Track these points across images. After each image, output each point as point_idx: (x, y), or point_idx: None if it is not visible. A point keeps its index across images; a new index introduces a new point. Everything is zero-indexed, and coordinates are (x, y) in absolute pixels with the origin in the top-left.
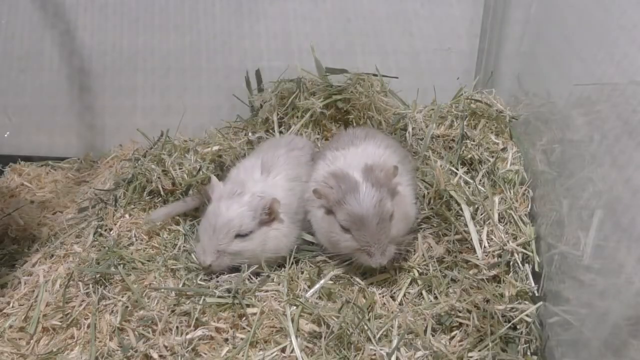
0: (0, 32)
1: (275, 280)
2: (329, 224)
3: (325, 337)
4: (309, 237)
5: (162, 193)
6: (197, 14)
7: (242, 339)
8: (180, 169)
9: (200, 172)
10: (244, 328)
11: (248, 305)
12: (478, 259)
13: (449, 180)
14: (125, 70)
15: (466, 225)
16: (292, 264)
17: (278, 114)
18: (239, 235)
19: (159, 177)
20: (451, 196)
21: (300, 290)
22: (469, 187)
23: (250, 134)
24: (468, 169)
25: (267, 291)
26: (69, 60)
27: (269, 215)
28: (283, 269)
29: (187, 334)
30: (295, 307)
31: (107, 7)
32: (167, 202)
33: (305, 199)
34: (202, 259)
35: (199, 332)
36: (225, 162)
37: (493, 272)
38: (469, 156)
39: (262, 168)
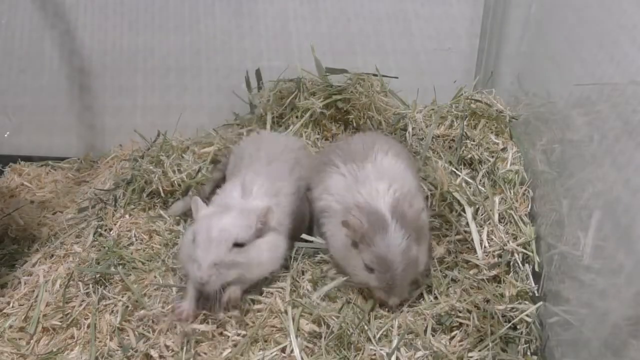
0: (0, 32)
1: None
2: (353, 257)
3: (325, 338)
4: (308, 238)
5: (162, 194)
6: (197, 14)
7: (244, 335)
8: (178, 169)
9: (200, 174)
10: (247, 324)
11: (253, 302)
12: (478, 259)
13: (451, 181)
14: (125, 70)
15: (467, 225)
16: (295, 260)
17: (273, 113)
18: (236, 245)
19: (159, 179)
20: (454, 197)
21: (302, 289)
22: (470, 188)
23: (245, 132)
24: (468, 169)
25: (271, 291)
26: (69, 60)
27: (264, 225)
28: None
29: (187, 331)
30: (295, 307)
31: (107, 7)
32: (167, 203)
33: (319, 208)
34: (198, 275)
35: (202, 327)
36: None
37: (493, 272)
38: (469, 156)
39: (242, 189)
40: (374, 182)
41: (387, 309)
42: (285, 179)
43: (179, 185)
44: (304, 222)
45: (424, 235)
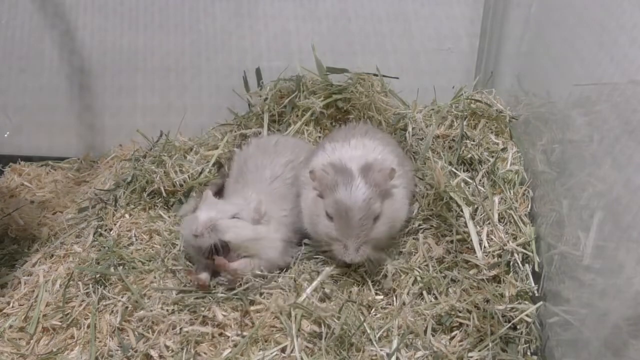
0: (0, 32)
1: (279, 280)
2: (316, 206)
3: (325, 338)
4: (307, 241)
5: (164, 194)
6: (197, 14)
7: (244, 335)
8: (180, 170)
9: (202, 175)
10: (247, 324)
11: (252, 303)
12: (478, 259)
13: (449, 181)
14: (125, 70)
15: (466, 225)
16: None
17: (272, 112)
18: (235, 217)
19: (161, 179)
20: (451, 197)
21: (301, 289)
22: (469, 187)
23: (250, 136)
24: (468, 169)
25: (271, 290)
26: (69, 60)
27: (258, 215)
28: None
29: (187, 332)
30: (296, 308)
31: (107, 7)
32: (168, 203)
33: (298, 182)
34: (197, 228)
35: (202, 329)
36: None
37: (493, 272)
38: (469, 156)
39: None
40: (350, 150)
41: (387, 310)
42: (287, 197)
43: (181, 185)
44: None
45: (393, 200)
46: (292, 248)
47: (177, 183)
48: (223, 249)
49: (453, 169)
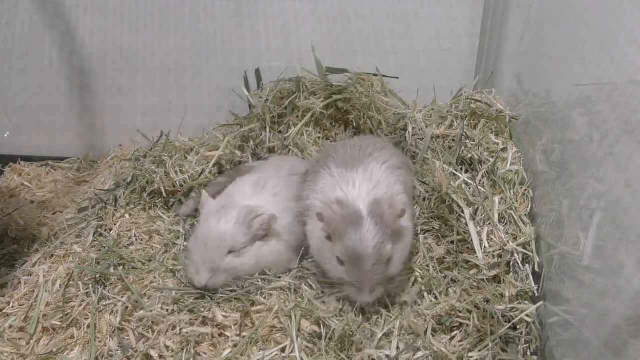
0: (0, 32)
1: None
2: (326, 248)
3: (325, 338)
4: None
5: (164, 194)
6: (197, 14)
7: (244, 336)
8: (181, 171)
9: (203, 176)
10: (246, 325)
11: (253, 304)
12: (478, 260)
13: (450, 183)
14: (125, 70)
15: (466, 225)
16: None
17: (272, 113)
18: (232, 251)
19: (161, 180)
20: (453, 200)
21: (302, 290)
22: (469, 188)
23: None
24: (467, 169)
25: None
26: (69, 60)
27: (266, 231)
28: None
29: (187, 332)
30: (296, 308)
31: (107, 7)
32: (169, 203)
33: (303, 206)
34: (197, 279)
35: (202, 330)
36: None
37: (493, 273)
38: (469, 156)
39: (256, 184)
40: (359, 182)
41: (388, 310)
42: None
43: (181, 186)
44: None
45: (403, 239)
46: (295, 250)
47: (178, 183)
48: None
49: (453, 170)
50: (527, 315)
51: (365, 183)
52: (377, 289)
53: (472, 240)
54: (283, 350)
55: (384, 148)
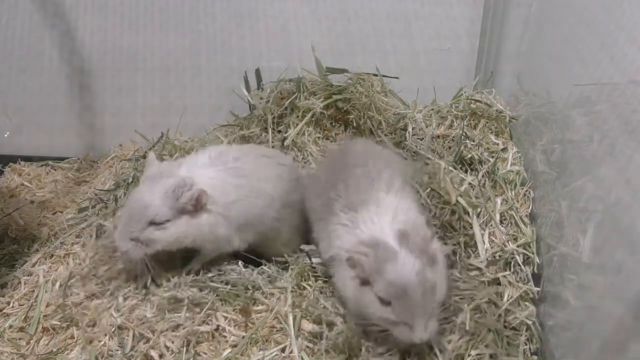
0: (0, 32)
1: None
2: (365, 294)
3: (326, 338)
4: (306, 248)
5: None
6: (197, 14)
7: (243, 336)
8: None
9: None
10: (247, 325)
11: (254, 303)
12: (480, 261)
13: (458, 190)
14: (125, 70)
15: (470, 227)
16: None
17: (273, 114)
18: (153, 223)
19: None
20: (463, 208)
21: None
22: (473, 190)
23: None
24: (467, 169)
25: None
26: (69, 60)
27: (195, 207)
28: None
29: (187, 332)
30: (297, 307)
31: (107, 7)
32: None
33: (326, 260)
34: (119, 244)
35: (202, 329)
36: None
37: (494, 274)
38: (469, 156)
39: (212, 157)
40: (376, 217)
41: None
42: (268, 175)
43: None
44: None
45: (438, 262)
46: (234, 233)
47: None
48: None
49: (459, 173)
50: (527, 316)
51: (383, 217)
52: (430, 323)
53: (475, 244)
54: (283, 350)
55: (375, 164)
